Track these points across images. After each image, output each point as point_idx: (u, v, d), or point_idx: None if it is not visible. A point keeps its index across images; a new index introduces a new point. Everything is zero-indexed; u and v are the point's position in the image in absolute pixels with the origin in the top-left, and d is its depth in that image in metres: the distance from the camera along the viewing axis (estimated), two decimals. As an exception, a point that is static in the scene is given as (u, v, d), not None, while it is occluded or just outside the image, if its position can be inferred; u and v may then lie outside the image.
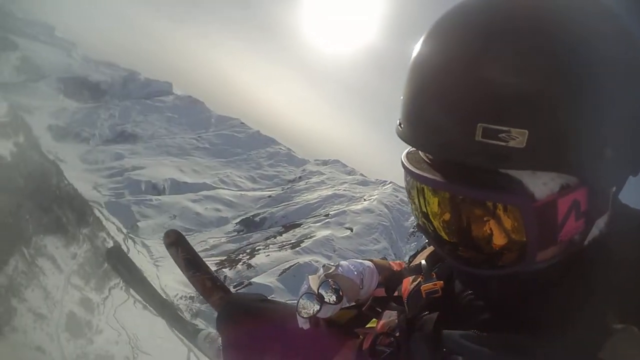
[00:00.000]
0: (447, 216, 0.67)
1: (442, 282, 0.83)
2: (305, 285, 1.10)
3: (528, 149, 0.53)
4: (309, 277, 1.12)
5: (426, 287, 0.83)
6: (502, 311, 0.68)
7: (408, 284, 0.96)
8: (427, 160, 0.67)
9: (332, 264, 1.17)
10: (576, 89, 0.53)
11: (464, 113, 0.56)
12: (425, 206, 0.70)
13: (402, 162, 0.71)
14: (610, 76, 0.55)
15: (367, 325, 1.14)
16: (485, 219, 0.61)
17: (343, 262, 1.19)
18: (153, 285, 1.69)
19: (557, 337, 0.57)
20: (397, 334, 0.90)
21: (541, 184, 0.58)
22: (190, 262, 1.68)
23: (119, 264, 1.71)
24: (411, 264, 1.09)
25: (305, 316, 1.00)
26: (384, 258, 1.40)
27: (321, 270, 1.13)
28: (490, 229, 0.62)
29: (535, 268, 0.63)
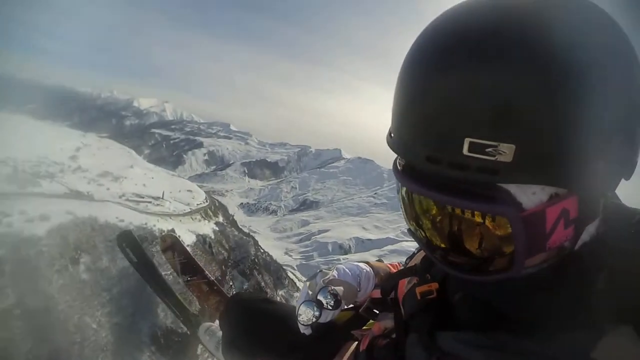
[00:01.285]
0: (437, 223, 0.68)
1: (436, 283, 0.84)
2: (304, 292, 1.11)
3: (515, 163, 0.54)
4: (307, 283, 1.14)
5: (421, 288, 0.84)
6: (495, 313, 0.69)
7: (404, 285, 0.97)
8: (419, 169, 0.67)
9: (329, 268, 1.18)
10: (564, 102, 0.53)
11: (452, 127, 0.56)
12: (416, 212, 0.71)
13: (393, 168, 0.72)
14: (600, 86, 0.54)
15: (365, 327, 1.16)
16: (475, 227, 0.63)
17: (339, 266, 1.21)
18: (160, 273, 1.64)
19: (550, 338, 0.58)
20: (394, 336, 0.91)
21: (530, 194, 0.58)
22: (187, 267, 1.70)
23: (129, 248, 1.68)
24: (407, 266, 1.10)
25: (305, 323, 1.02)
26: (381, 260, 1.40)
27: (319, 276, 1.14)
28: (480, 237, 0.63)
29: (525, 273, 0.64)
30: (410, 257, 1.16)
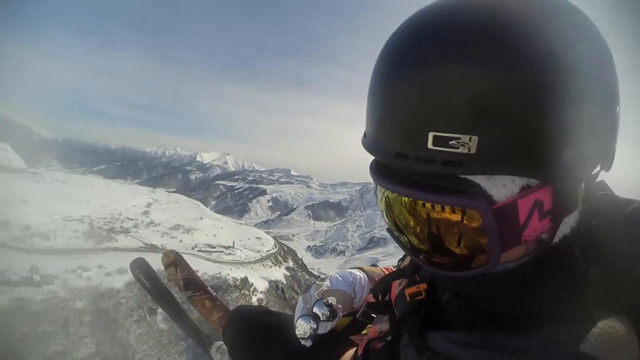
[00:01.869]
0: (415, 224, 0.68)
1: (425, 284, 0.85)
2: (300, 306, 1.13)
3: (479, 154, 0.53)
4: (301, 297, 1.16)
5: (410, 290, 0.85)
6: (483, 311, 0.69)
7: (396, 287, 0.99)
8: (394, 168, 0.68)
9: (323, 279, 1.21)
10: (530, 91, 0.53)
11: (417, 122, 0.57)
12: (394, 214, 0.71)
13: (370, 170, 0.73)
14: (569, 73, 0.54)
15: (363, 332, 1.18)
16: (451, 224, 0.63)
17: (332, 275, 1.23)
18: (174, 297, 1.80)
19: (537, 334, 0.59)
20: (389, 338, 0.93)
21: (500, 186, 0.58)
22: (189, 282, 1.76)
23: (142, 275, 1.80)
24: (398, 268, 1.12)
25: (303, 337, 1.04)
26: (375, 265, 1.44)
27: (312, 288, 1.17)
28: (458, 234, 0.63)
29: (505, 268, 0.65)
30: (402, 259, 1.17)
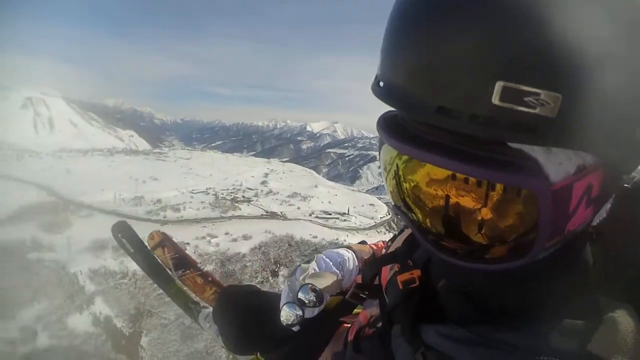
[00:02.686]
0: (433, 200, 0.57)
1: (419, 271, 0.78)
2: (286, 292, 1.11)
3: (559, 119, 0.41)
4: (287, 281, 1.14)
5: (402, 277, 0.78)
6: (480, 304, 0.63)
7: (387, 271, 0.93)
8: (413, 127, 0.54)
9: (309, 261, 1.18)
10: (629, 49, 0.42)
11: (479, 67, 0.42)
12: (405, 186, 0.61)
13: (377, 127, 0.60)
14: None
15: (354, 311, 1.17)
16: (481, 204, 0.51)
17: (319, 256, 1.19)
18: (159, 262, 1.77)
19: (536, 328, 0.54)
20: (380, 325, 0.90)
21: (557, 164, 0.47)
22: (179, 261, 1.75)
23: (125, 239, 1.76)
24: (388, 250, 1.06)
25: (292, 324, 1.03)
26: (364, 242, 1.37)
27: (297, 272, 1.13)
28: (486, 217, 0.52)
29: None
30: (392, 240, 1.12)
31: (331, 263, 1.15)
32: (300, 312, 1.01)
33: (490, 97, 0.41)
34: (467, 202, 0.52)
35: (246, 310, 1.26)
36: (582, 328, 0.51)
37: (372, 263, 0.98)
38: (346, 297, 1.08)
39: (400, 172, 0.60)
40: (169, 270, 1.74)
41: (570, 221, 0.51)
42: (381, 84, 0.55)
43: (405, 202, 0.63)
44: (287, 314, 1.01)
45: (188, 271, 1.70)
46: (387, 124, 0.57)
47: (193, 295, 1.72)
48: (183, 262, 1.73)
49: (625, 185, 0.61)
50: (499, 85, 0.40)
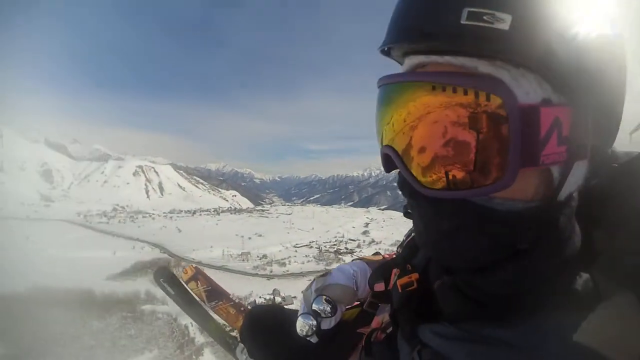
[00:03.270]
0: (421, 129, 0.60)
1: (417, 274, 0.84)
2: (301, 305, 1.13)
3: (512, 31, 0.51)
4: (303, 294, 1.17)
5: (402, 280, 0.84)
6: (474, 301, 0.66)
7: (394, 276, 0.96)
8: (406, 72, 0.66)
9: (324, 274, 1.22)
10: None
11: (451, 0, 0.55)
12: (398, 127, 0.64)
13: (378, 83, 0.69)
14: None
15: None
16: (462, 123, 0.56)
17: (333, 270, 1.23)
18: (198, 301, 1.86)
19: (528, 322, 0.57)
20: (389, 330, 0.93)
21: (524, 91, 0.54)
22: (212, 293, 1.84)
23: (166, 283, 1.86)
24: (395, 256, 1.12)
25: (307, 335, 1.04)
26: (378, 253, 1.40)
27: (313, 285, 1.17)
28: (468, 137, 0.56)
29: (513, 207, 0.57)
30: (401, 245, 1.14)
31: (344, 276, 1.17)
32: (314, 323, 1.02)
33: (459, 19, 0.53)
34: (448, 120, 0.57)
35: (271, 326, 1.29)
36: (574, 319, 0.53)
37: (376, 270, 1.03)
38: (364, 307, 1.12)
39: (397, 113, 0.64)
40: (202, 303, 1.81)
41: (544, 149, 0.54)
42: (388, 36, 0.66)
43: (391, 138, 0.66)
44: (302, 325, 1.03)
45: (221, 302, 1.77)
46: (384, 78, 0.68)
47: (229, 329, 1.78)
48: (216, 293, 1.80)
49: (613, 165, 0.66)
50: (465, 11, 0.53)
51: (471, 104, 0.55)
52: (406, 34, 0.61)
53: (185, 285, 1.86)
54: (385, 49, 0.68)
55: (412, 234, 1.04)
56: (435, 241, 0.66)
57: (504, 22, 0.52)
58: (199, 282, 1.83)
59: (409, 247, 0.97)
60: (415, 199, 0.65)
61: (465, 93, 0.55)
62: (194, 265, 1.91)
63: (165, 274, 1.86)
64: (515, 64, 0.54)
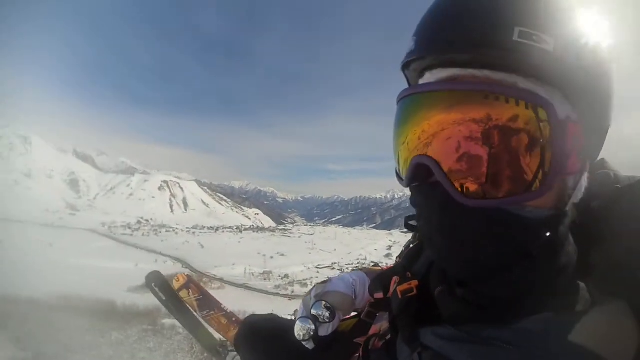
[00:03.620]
0: (468, 139, 0.61)
1: (416, 280, 0.86)
2: (300, 309, 1.15)
3: (555, 53, 0.57)
4: (302, 300, 1.19)
5: (401, 287, 0.86)
6: (473, 304, 0.68)
7: (392, 285, 0.99)
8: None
9: (324, 282, 1.24)
10: (591, 34, 0.60)
11: (503, 16, 0.59)
12: (438, 136, 0.64)
13: (403, 94, 0.71)
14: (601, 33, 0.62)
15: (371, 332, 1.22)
16: (511, 133, 0.58)
17: (333, 278, 1.25)
18: (188, 308, 1.86)
19: (526, 324, 0.59)
20: (389, 337, 0.95)
21: (557, 105, 0.59)
22: (203, 303, 1.83)
23: (157, 288, 1.87)
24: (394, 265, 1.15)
25: (302, 339, 1.06)
26: (377, 264, 1.44)
27: (313, 291, 1.19)
28: (514, 147, 0.58)
29: (538, 215, 0.61)
30: (400, 256, 1.18)
31: (344, 284, 1.20)
32: (312, 327, 1.04)
33: (511, 37, 0.57)
34: (496, 130, 0.59)
35: (266, 335, 1.32)
36: (571, 323, 0.56)
37: (375, 278, 1.06)
38: (362, 317, 1.16)
39: (427, 120, 0.65)
40: (194, 312, 1.81)
41: (569, 160, 0.60)
42: (419, 41, 0.68)
43: (430, 147, 0.66)
44: (300, 328, 1.05)
45: (212, 312, 1.77)
46: (408, 89, 0.70)
47: (220, 337, 1.79)
48: (207, 303, 1.80)
49: (617, 185, 0.71)
50: (516, 29, 0.57)
51: (522, 115, 0.58)
52: (451, 45, 0.62)
53: (177, 293, 1.86)
54: (409, 60, 0.70)
55: (411, 245, 1.08)
56: (457, 251, 0.67)
57: (549, 44, 0.57)
58: (190, 291, 1.82)
59: (408, 257, 1.01)
60: (446, 210, 0.65)
61: (517, 104, 0.58)
62: (185, 273, 1.92)
63: (157, 279, 1.87)
64: (548, 82, 0.59)
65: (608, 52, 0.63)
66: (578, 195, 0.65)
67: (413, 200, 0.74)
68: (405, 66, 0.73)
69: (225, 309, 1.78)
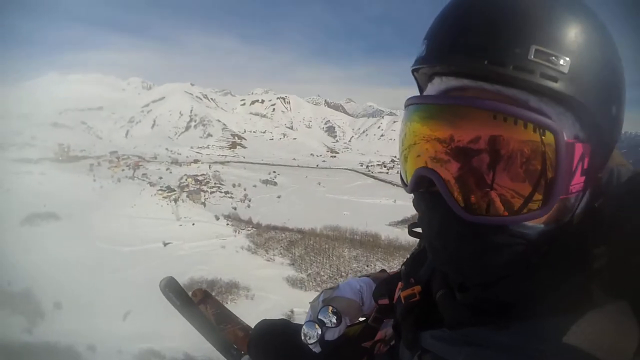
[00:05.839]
0: (473, 157, 0.63)
1: (419, 286, 0.87)
2: (308, 314, 1.19)
3: (569, 74, 0.58)
4: (310, 304, 1.23)
5: (405, 293, 0.88)
6: (473, 308, 0.69)
7: (397, 291, 1.00)
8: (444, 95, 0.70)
9: (332, 288, 1.27)
10: (611, 44, 0.63)
11: (520, 34, 0.59)
12: (443, 151, 0.66)
13: (411, 102, 0.73)
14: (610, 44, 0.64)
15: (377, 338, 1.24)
16: (517, 155, 0.60)
17: (341, 284, 1.28)
18: (202, 313, 1.89)
19: (525, 327, 0.60)
20: (393, 342, 0.96)
21: (565, 129, 0.60)
22: (220, 317, 1.88)
23: (172, 293, 1.88)
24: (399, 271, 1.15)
25: (309, 343, 1.08)
26: (384, 270, 1.45)
27: (321, 296, 1.23)
28: (518, 168, 0.60)
29: (534, 231, 0.63)
30: (405, 264, 1.16)
31: (351, 290, 1.23)
32: (319, 331, 1.06)
33: (527, 55, 0.58)
34: (503, 151, 0.60)
35: (277, 339, 1.35)
36: (571, 325, 0.56)
37: (380, 284, 1.09)
38: (369, 322, 1.18)
39: (433, 132, 0.67)
40: (211, 325, 1.84)
41: (572, 180, 0.61)
42: (431, 49, 0.68)
43: (435, 161, 0.67)
44: (306, 332, 1.07)
45: (229, 325, 1.82)
46: (418, 98, 0.72)
47: (234, 344, 1.81)
48: (224, 317, 1.86)
49: (620, 181, 0.69)
50: (532, 48, 0.58)
51: (529, 138, 0.59)
52: (464, 57, 0.62)
53: (190, 297, 1.89)
54: (419, 65, 0.70)
55: (415, 252, 1.07)
56: (459, 261, 0.68)
57: (564, 65, 0.58)
58: (208, 306, 1.89)
59: (412, 263, 1.01)
60: (446, 221, 0.66)
61: (525, 127, 0.59)
62: (203, 289, 1.99)
63: (171, 285, 1.90)
64: (559, 102, 0.60)
65: (620, 73, 0.64)
66: (581, 208, 0.66)
67: (416, 204, 0.75)
68: (415, 69, 0.74)
69: (242, 322, 1.84)
